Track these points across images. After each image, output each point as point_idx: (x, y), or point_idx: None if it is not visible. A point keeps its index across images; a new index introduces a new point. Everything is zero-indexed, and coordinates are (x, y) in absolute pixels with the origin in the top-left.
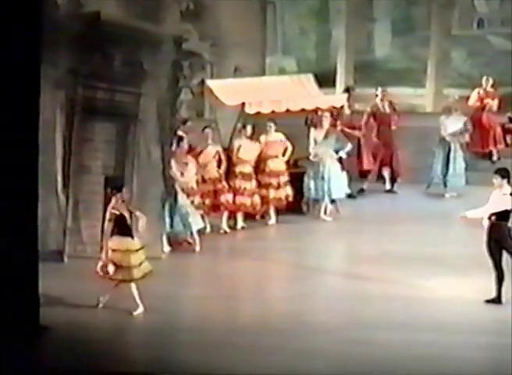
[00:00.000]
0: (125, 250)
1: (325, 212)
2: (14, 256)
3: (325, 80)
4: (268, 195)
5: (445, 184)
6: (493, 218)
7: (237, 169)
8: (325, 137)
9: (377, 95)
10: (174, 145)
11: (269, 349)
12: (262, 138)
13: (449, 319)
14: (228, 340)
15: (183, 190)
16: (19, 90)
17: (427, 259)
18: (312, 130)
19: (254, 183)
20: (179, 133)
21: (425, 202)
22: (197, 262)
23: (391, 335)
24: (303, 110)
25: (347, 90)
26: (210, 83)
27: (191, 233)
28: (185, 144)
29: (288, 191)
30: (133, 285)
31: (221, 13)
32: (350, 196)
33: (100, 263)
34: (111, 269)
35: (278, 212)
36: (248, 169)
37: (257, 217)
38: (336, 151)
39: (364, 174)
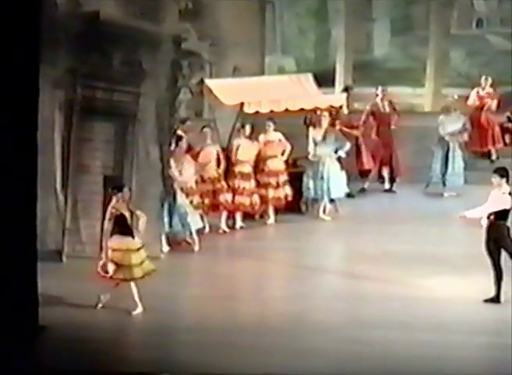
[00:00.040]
0: (125, 249)
1: (324, 212)
2: (13, 256)
3: (324, 80)
4: (267, 195)
5: (444, 184)
6: (492, 217)
7: (236, 169)
8: (324, 136)
9: (377, 95)
10: (173, 145)
11: (268, 349)
12: (261, 138)
13: (448, 319)
14: (227, 339)
15: (182, 189)
16: (18, 89)
17: (426, 259)
18: (311, 129)
19: (253, 182)
20: (178, 132)
21: (424, 202)
22: (196, 262)
23: (390, 334)
24: (302, 110)
25: (346, 89)
26: (209, 82)
27: (190, 232)
28: (184, 144)
29: (287, 190)
30: (132, 285)
31: (220, 13)
32: (348, 195)
33: (100, 263)
34: (111, 268)
35: (277, 211)
36: (247, 168)
37: (256, 217)
38: (335, 151)
39: (363, 174)
